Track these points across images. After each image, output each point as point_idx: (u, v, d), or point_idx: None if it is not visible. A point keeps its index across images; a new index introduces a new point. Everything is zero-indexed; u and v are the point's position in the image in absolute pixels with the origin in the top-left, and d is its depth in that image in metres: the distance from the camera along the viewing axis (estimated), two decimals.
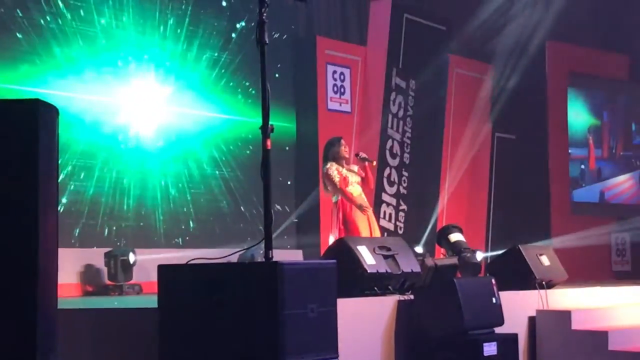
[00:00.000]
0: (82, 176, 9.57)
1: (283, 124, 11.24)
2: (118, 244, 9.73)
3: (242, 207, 10.92)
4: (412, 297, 6.16)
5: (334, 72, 11.96)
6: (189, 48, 10.62)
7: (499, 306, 6.35)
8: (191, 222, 10.48)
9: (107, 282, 9.31)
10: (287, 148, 11.48)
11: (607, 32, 15.08)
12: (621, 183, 15.52)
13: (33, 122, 3.91)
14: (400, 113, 12.48)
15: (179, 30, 10.52)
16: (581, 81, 14.98)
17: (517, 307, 7.04)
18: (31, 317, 3.84)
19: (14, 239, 3.86)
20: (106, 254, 9.36)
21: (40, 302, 3.88)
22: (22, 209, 3.85)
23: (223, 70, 10.92)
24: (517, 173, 13.79)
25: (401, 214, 12.34)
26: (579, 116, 15.05)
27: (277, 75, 11.23)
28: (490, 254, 11.84)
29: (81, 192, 9.57)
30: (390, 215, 12.19)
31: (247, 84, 11.04)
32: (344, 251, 6.18)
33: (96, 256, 9.40)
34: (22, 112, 3.93)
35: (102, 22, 9.81)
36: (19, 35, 9.12)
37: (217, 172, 10.78)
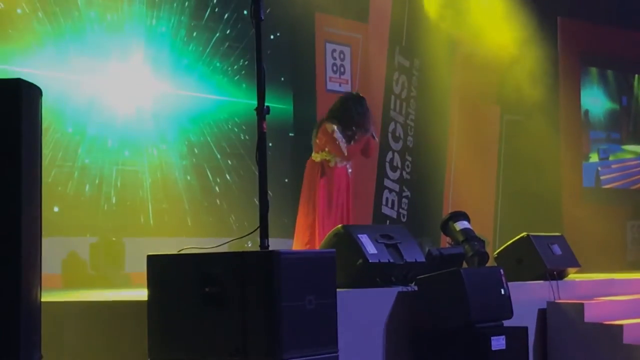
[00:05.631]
0: (65, 160, 9.56)
1: (279, 105, 11.22)
2: (104, 232, 9.71)
3: (236, 194, 10.90)
4: (415, 288, 6.18)
5: (334, 50, 11.94)
6: (179, 25, 10.59)
7: (507, 298, 6.37)
8: (183, 210, 10.47)
9: (93, 272, 9.32)
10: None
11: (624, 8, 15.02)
12: (621, 166, 15.52)
13: (15, 102, 3.91)
14: (404, 94, 12.47)
15: (168, 6, 10.50)
16: (596, 62, 14.94)
17: (527, 299, 7.06)
18: (14, 311, 3.84)
19: None
20: (91, 244, 9.36)
21: (23, 295, 3.88)
22: (4, 195, 3.85)
23: (216, 49, 10.89)
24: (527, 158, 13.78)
25: (404, 200, 12.36)
26: (596, 100, 15.02)
27: (273, 53, 11.20)
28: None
29: (65, 177, 9.55)
30: (392, 202, 12.20)
31: (241, 62, 11.01)
32: (343, 239, 6.18)
33: (80, 245, 9.40)
34: (4, 92, 3.93)
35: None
36: None
37: (209, 156, 10.76)
